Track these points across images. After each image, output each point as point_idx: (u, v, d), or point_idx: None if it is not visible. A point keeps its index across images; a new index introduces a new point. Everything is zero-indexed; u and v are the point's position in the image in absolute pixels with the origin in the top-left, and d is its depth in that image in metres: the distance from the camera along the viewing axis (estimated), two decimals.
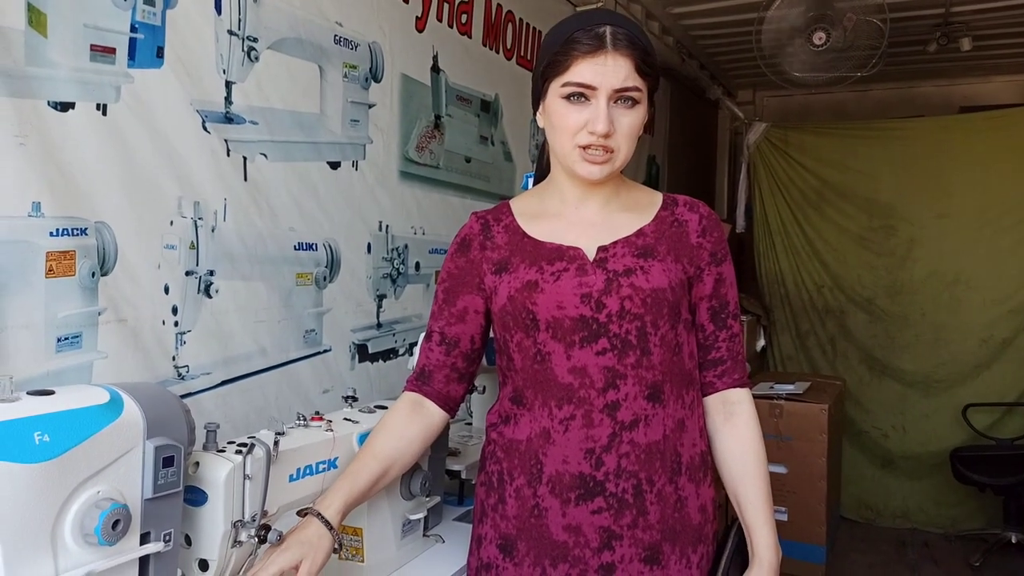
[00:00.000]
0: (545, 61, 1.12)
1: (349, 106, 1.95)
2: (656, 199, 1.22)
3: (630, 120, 1.10)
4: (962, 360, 3.99)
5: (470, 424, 1.74)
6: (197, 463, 0.97)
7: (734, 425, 1.18)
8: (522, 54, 2.80)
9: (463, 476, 1.49)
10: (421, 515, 1.31)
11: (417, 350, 1.54)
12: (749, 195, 4.35)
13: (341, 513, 1.08)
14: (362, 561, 1.23)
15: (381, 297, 2.09)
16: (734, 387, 1.19)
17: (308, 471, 1.08)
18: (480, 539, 1.19)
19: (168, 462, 0.88)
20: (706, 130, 5.23)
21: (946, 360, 4.02)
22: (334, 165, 1.92)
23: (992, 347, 4.03)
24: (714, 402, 1.20)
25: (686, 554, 1.14)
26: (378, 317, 2.08)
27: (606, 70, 1.07)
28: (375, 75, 2.04)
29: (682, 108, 4.62)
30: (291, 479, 1.06)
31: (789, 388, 3.50)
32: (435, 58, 2.29)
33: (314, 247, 1.86)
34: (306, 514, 1.07)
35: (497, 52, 2.64)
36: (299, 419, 1.15)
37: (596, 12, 1.11)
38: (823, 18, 3.12)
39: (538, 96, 1.16)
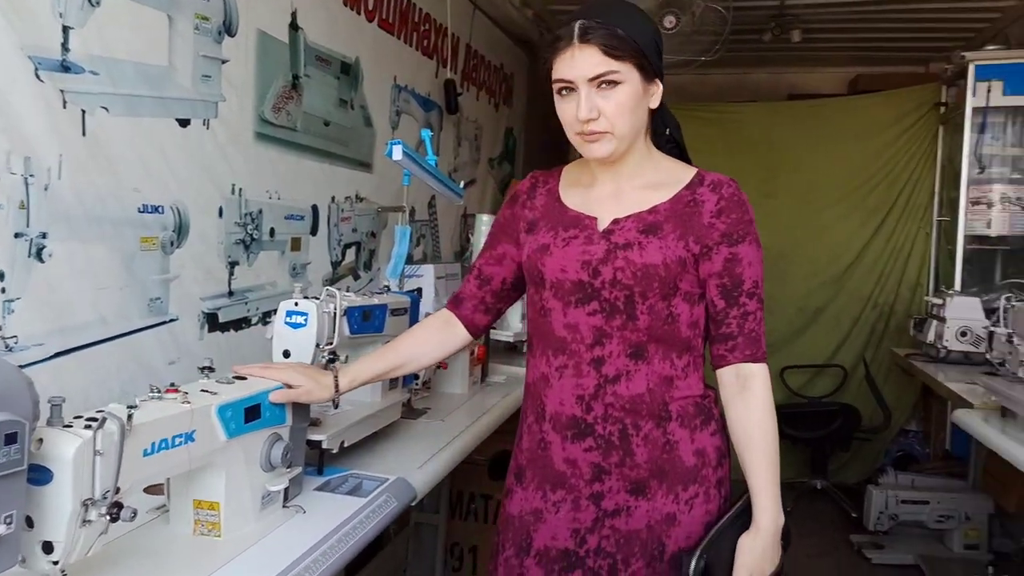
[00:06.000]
0: (543, 63, 1.26)
1: (200, 60, 1.84)
2: (684, 177, 1.30)
3: (616, 99, 1.19)
4: (783, 328, 4.40)
5: None
6: (40, 440, 0.91)
7: (745, 398, 1.25)
8: (383, 17, 2.74)
9: (324, 446, 1.47)
10: (281, 486, 1.30)
11: (273, 319, 1.52)
12: None
13: (348, 383, 1.37)
14: (219, 536, 1.20)
15: (233, 264, 2.01)
16: (747, 362, 1.26)
17: (164, 445, 1.04)
18: (508, 472, 1.41)
19: (11, 439, 0.82)
20: None
21: (770, 328, 4.38)
22: (183, 123, 1.81)
23: (807, 315, 4.47)
24: (728, 375, 1.27)
25: (675, 490, 1.26)
26: (230, 285, 2.00)
27: (575, 63, 1.18)
28: (229, 29, 1.93)
29: (541, 81, 4.69)
30: (145, 453, 1.01)
31: None
32: (293, 15, 2.20)
33: (160, 210, 1.75)
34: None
35: (359, 13, 2.57)
36: (152, 391, 1.09)
37: (580, 8, 1.21)
38: (674, 3, 3.27)
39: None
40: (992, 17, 3.95)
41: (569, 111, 1.22)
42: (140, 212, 1.69)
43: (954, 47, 4.16)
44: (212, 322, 1.94)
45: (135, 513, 0.98)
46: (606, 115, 1.20)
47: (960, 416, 2.39)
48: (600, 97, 1.19)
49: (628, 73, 1.19)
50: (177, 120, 1.79)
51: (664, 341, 1.26)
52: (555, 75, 1.22)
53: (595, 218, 1.29)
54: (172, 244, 1.79)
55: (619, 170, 1.30)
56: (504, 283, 1.41)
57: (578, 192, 1.34)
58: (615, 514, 1.28)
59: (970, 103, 3.53)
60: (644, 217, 1.27)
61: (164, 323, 1.78)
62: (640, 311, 1.24)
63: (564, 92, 1.22)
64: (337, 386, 1.35)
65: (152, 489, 1.28)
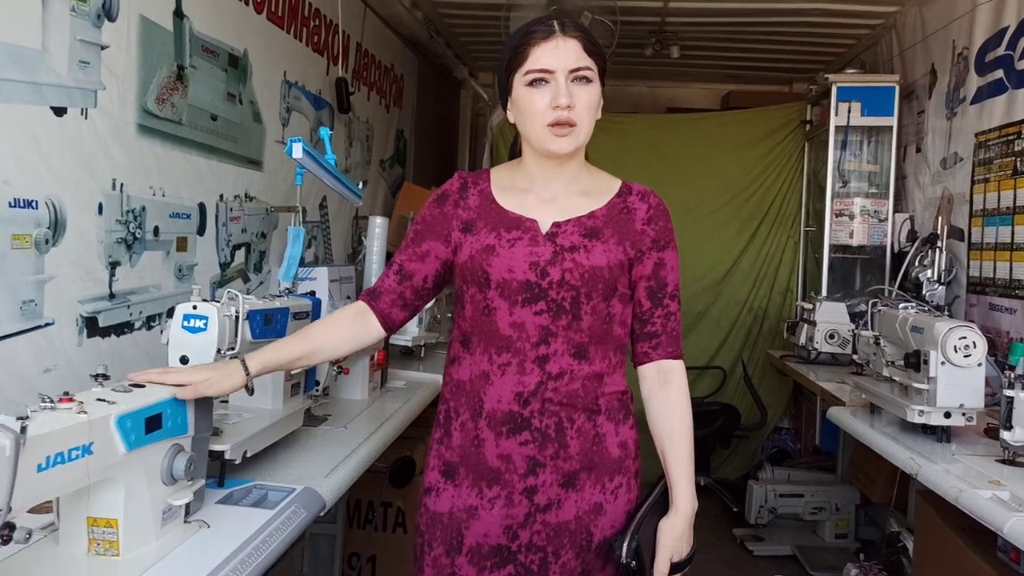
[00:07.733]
0: (508, 56, 1.27)
1: (78, 45, 1.70)
2: (613, 186, 1.36)
3: (587, 95, 1.25)
4: None
5: (226, 402, 1.62)
6: None
7: (666, 392, 1.32)
8: (272, 9, 2.64)
9: (227, 456, 1.38)
10: (184, 500, 1.21)
11: (167, 325, 1.42)
12: None
13: (258, 368, 1.28)
14: (117, 555, 1.10)
15: (114, 264, 1.87)
16: (668, 358, 1.33)
17: (60, 459, 0.94)
18: (424, 468, 1.39)
19: None
20: (450, 108, 5.34)
21: None
22: (59, 111, 1.67)
23: (689, 319, 4.64)
24: (650, 370, 1.34)
25: (601, 481, 1.31)
26: (111, 287, 1.86)
27: (559, 52, 1.22)
28: (109, 13, 1.80)
29: (429, 84, 4.66)
30: (40, 469, 0.91)
31: None
32: (178, 2, 2.08)
33: (34, 204, 1.60)
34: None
35: (247, 4, 2.46)
36: (44, 401, 0.99)
37: (546, 14, 1.29)
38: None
39: (505, 92, 1.30)
40: (848, 43, 4.29)
41: (542, 101, 1.24)
42: (11, 207, 1.54)
43: (815, 69, 4.48)
44: (92, 327, 1.79)
45: (30, 533, 0.88)
46: (578, 107, 1.24)
47: (834, 413, 2.55)
48: (573, 90, 1.23)
49: (595, 75, 1.27)
50: (52, 108, 1.65)
51: (602, 341, 1.30)
52: (532, 65, 1.23)
53: (535, 220, 1.31)
54: (47, 242, 1.64)
55: (560, 175, 1.32)
56: (426, 280, 1.38)
57: (514, 195, 1.34)
58: (546, 508, 1.30)
59: (833, 122, 3.79)
60: (584, 222, 1.31)
61: (39, 328, 1.62)
62: (584, 311, 1.28)
63: (536, 83, 1.24)
64: (247, 370, 1.27)
65: (38, 508, 1.16)
